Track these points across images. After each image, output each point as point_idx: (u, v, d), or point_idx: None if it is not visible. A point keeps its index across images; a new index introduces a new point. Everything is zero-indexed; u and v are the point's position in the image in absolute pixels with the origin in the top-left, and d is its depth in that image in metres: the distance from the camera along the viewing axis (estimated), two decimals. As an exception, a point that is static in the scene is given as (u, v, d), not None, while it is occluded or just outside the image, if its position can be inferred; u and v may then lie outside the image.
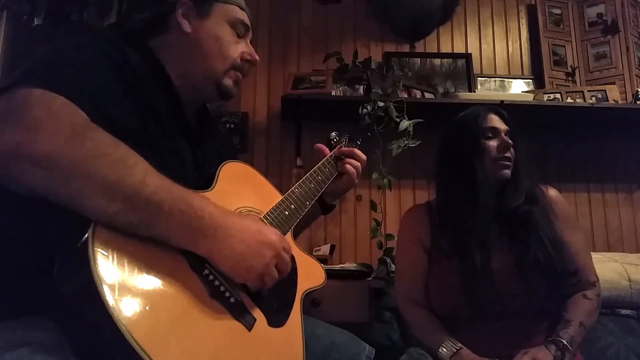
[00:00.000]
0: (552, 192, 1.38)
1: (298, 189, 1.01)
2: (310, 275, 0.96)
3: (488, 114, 1.36)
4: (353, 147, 1.19)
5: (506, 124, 1.35)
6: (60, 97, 0.67)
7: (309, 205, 1.02)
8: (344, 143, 1.20)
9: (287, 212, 0.95)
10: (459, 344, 1.18)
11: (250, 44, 1.04)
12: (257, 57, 1.02)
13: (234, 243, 0.73)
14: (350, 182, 1.14)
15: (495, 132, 1.33)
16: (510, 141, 1.31)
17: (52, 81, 0.69)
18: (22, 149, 0.62)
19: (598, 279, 1.29)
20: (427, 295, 1.31)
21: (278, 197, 0.98)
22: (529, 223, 1.26)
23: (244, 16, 1.01)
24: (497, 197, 1.32)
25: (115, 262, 0.62)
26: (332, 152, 1.14)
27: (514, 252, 1.24)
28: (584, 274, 1.27)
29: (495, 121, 1.34)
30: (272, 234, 0.79)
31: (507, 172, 1.31)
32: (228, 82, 0.99)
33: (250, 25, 1.03)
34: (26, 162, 0.63)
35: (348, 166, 1.13)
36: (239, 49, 1.00)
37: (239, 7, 1.00)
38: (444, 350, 1.17)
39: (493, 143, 1.32)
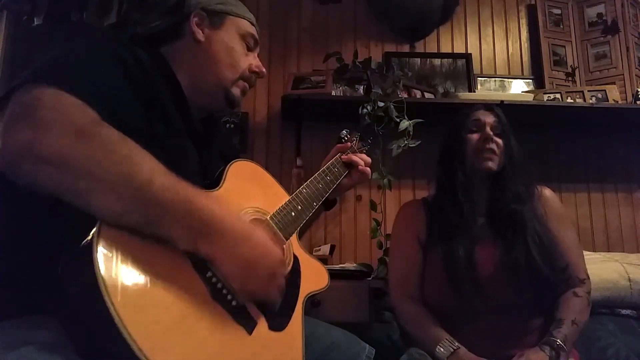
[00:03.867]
0: (546, 192, 1.38)
1: (306, 190, 1.01)
2: (314, 277, 0.96)
3: (478, 110, 1.38)
4: (363, 146, 1.25)
5: (498, 120, 1.35)
6: (70, 96, 0.68)
7: (316, 206, 1.02)
8: (355, 141, 1.23)
9: (293, 213, 0.95)
10: (456, 343, 1.17)
11: None
12: (264, 70, 1.06)
13: (234, 253, 0.72)
14: (356, 180, 1.20)
15: (479, 124, 1.34)
16: (490, 132, 1.32)
17: (63, 80, 0.69)
18: (32, 147, 0.63)
19: (588, 277, 1.29)
20: (422, 291, 1.30)
21: (285, 198, 0.98)
22: (516, 224, 1.26)
23: (254, 31, 1.04)
24: (488, 192, 1.33)
25: (118, 262, 0.62)
26: (343, 154, 1.17)
27: (499, 251, 1.25)
28: (573, 271, 1.26)
29: (481, 114, 1.36)
30: (274, 255, 0.78)
31: (490, 163, 1.30)
32: (236, 91, 1.02)
33: (258, 40, 1.06)
34: (35, 161, 0.63)
35: (361, 167, 1.17)
36: (248, 60, 1.03)
37: (250, 22, 1.04)
38: (442, 349, 1.16)
39: (475, 136, 1.33)
